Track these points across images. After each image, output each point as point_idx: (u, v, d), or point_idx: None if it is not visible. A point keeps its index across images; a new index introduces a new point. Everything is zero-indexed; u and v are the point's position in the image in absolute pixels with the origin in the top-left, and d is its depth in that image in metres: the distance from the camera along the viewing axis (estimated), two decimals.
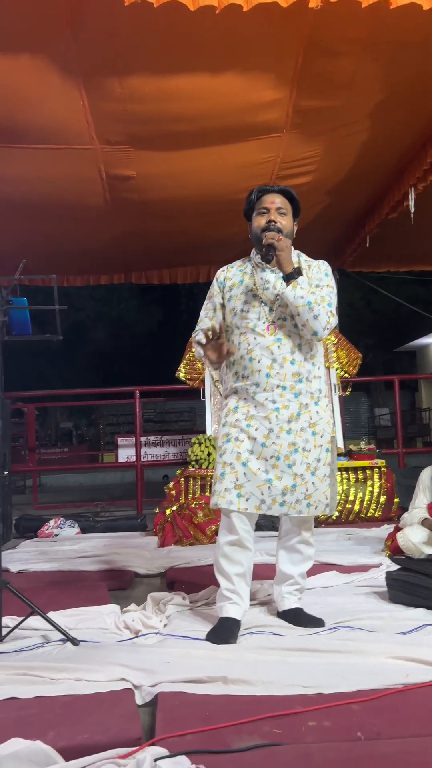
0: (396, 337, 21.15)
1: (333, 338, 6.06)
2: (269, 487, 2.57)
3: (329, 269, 2.78)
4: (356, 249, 6.81)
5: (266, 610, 2.87)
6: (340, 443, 6.03)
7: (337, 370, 6.11)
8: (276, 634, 2.54)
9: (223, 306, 2.78)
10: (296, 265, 2.65)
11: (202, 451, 5.67)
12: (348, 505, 5.44)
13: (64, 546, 4.86)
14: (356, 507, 5.44)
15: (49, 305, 2.85)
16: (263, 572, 3.18)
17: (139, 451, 6.99)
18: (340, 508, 5.37)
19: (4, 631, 2.59)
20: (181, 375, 6.15)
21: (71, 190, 5.05)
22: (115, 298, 21.04)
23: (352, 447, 5.88)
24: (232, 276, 2.78)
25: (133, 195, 5.18)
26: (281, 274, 2.65)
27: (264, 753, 1.62)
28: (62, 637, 2.54)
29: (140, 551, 4.46)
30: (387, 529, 4.67)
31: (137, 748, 1.63)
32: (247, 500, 2.56)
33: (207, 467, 5.51)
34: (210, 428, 5.99)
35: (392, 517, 5.35)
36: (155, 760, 1.55)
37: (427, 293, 15.63)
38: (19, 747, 1.61)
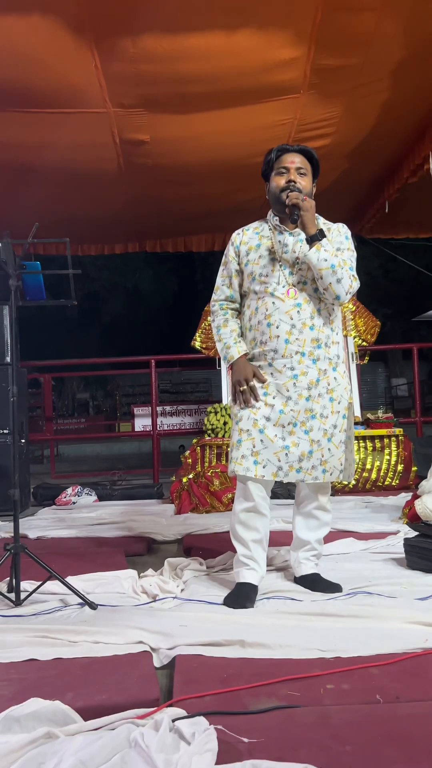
0: (414, 307, 20.83)
1: (351, 306, 5.97)
2: (286, 454, 2.54)
3: (349, 232, 2.72)
4: (375, 215, 6.69)
5: (283, 575, 2.86)
6: (357, 412, 5.99)
7: (354, 338, 6.04)
8: (293, 599, 2.53)
9: (239, 272, 2.72)
10: (319, 227, 2.59)
11: (218, 420, 5.66)
12: (365, 474, 5.42)
13: (82, 513, 4.90)
14: (373, 475, 5.42)
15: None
16: (280, 539, 3.17)
17: (155, 421, 7.00)
18: (357, 476, 5.36)
19: (23, 595, 2.62)
20: (197, 344, 6.11)
21: (84, 155, 4.98)
22: (130, 269, 20.92)
23: (369, 416, 5.83)
24: (248, 240, 2.71)
25: (147, 160, 5.10)
26: (300, 237, 2.59)
27: (282, 714, 1.62)
28: (80, 601, 2.56)
29: (157, 518, 4.48)
30: (404, 497, 4.65)
31: (155, 708, 1.64)
32: (264, 467, 2.54)
33: (223, 436, 5.51)
34: (225, 397, 5.97)
35: (409, 486, 5.32)
36: (173, 720, 1.55)
37: None
38: (39, 707, 1.62)
